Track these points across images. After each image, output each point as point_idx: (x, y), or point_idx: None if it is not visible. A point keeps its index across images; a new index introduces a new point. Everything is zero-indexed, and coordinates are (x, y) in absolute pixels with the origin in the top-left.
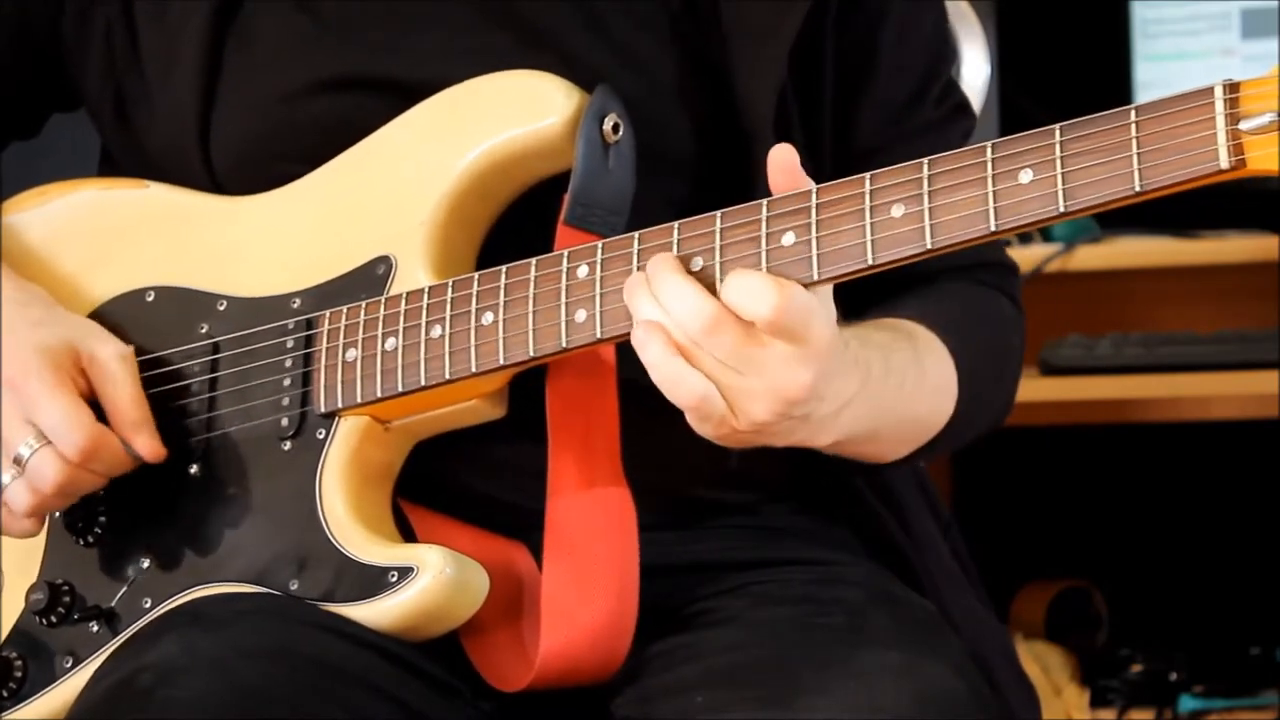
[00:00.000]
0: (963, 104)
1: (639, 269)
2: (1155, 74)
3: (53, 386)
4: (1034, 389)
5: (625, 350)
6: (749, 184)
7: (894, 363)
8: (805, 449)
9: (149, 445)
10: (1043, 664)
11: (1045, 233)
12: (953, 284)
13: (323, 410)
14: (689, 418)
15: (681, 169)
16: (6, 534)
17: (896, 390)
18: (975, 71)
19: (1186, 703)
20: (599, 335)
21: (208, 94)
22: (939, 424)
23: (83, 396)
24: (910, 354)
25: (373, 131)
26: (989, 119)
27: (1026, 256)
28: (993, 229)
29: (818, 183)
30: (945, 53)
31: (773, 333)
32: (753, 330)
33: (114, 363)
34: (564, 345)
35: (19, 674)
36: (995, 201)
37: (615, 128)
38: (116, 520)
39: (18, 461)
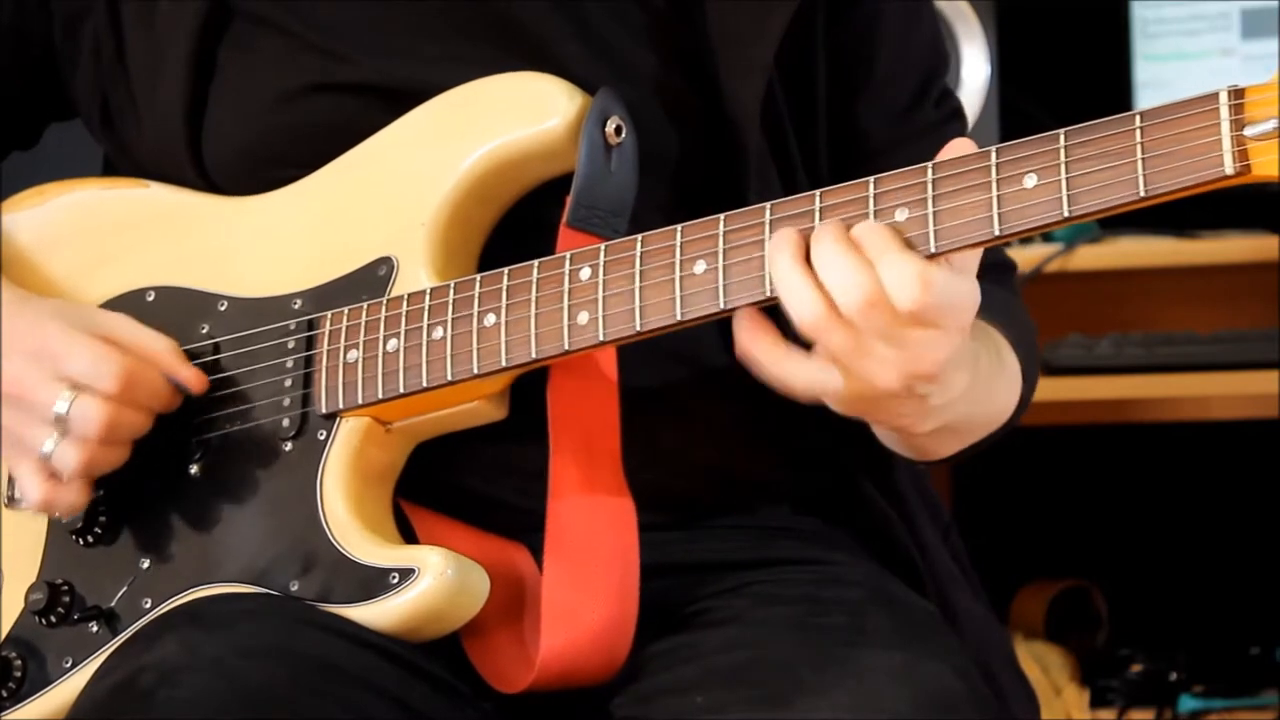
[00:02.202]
0: (958, 109)
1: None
2: (1155, 74)
3: (75, 336)
4: None
5: (626, 352)
6: (739, 186)
7: (1004, 358)
8: (804, 449)
9: (194, 375)
10: (1043, 664)
11: (1045, 233)
12: (986, 284)
13: (324, 411)
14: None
15: (671, 172)
16: (56, 509)
17: (988, 384)
18: (975, 72)
19: (1186, 703)
20: (601, 338)
21: (196, 101)
22: (1002, 420)
23: None
24: (994, 347)
25: (365, 138)
26: (989, 119)
27: (1026, 257)
28: (997, 234)
29: (816, 186)
30: (942, 55)
31: (911, 323)
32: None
33: (127, 321)
34: (566, 347)
35: (18, 674)
36: (1000, 207)
37: (618, 130)
38: (116, 520)
39: (59, 421)
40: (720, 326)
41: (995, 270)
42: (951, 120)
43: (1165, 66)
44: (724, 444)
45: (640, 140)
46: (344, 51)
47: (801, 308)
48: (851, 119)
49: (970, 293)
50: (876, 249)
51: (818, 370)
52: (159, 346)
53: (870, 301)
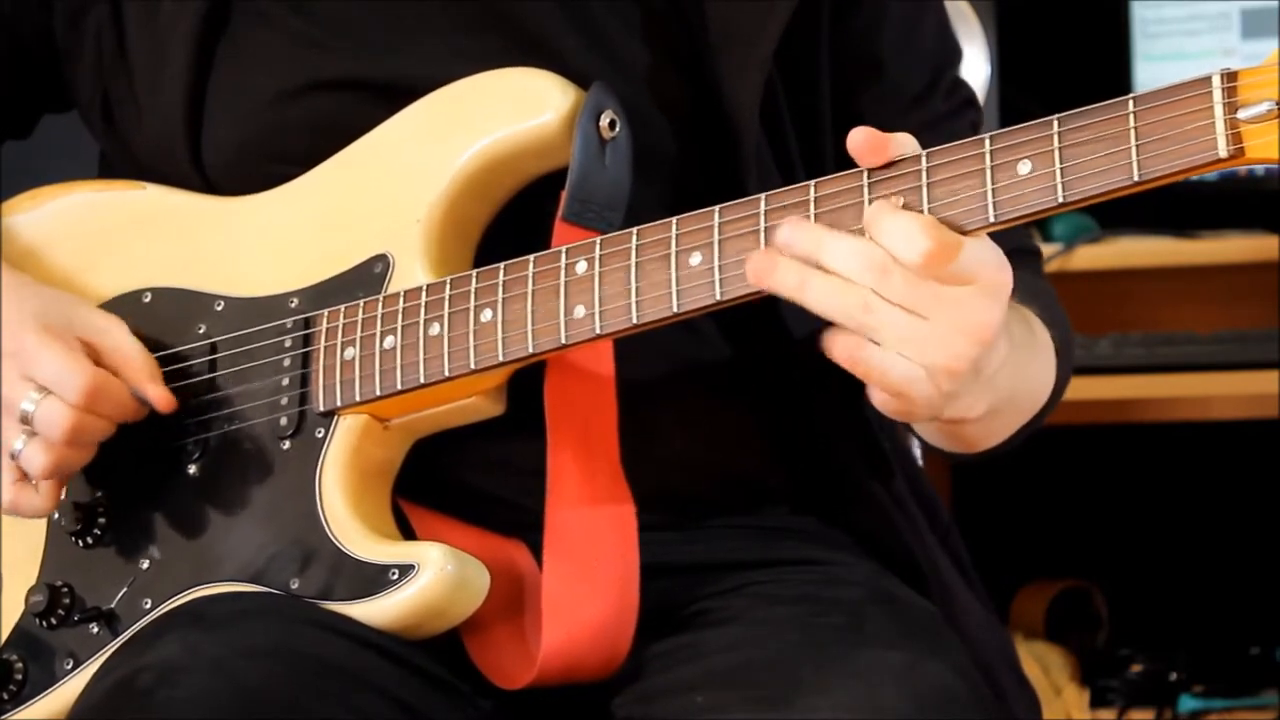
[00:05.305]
0: (970, 99)
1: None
2: (1155, 74)
3: (48, 342)
4: None
5: (623, 347)
6: (738, 183)
7: (1034, 330)
8: (803, 449)
9: (160, 394)
10: (1043, 664)
11: (1045, 232)
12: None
13: (321, 409)
14: (881, 398)
15: (670, 169)
16: (21, 511)
17: (1025, 354)
18: (975, 71)
19: (1186, 703)
20: (598, 331)
21: (197, 96)
22: (1042, 399)
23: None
24: (1021, 318)
25: (364, 133)
26: (989, 119)
27: None
28: (991, 220)
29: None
30: (952, 45)
31: (936, 278)
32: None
33: (113, 326)
34: (563, 341)
35: (19, 676)
36: (995, 195)
37: (612, 124)
38: (116, 521)
39: (25, 420)
40: (722, 326)
41: (1018, 256)
42: (964, 109)
43: (1165, 66)
44: (724, 444)
45: (639, 137)
46: (343, 47)
47: (832, 303)
48: (858, 113)
49: (992, 252)
50: (876, 225)
51: (906, 366)
52: (135, 362)
53: (880, 267)
